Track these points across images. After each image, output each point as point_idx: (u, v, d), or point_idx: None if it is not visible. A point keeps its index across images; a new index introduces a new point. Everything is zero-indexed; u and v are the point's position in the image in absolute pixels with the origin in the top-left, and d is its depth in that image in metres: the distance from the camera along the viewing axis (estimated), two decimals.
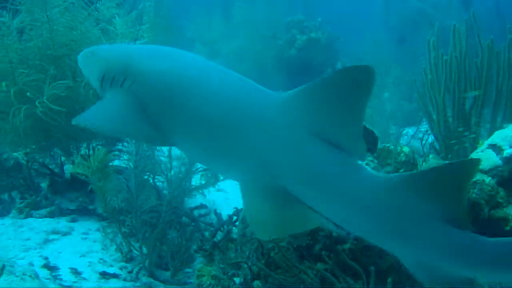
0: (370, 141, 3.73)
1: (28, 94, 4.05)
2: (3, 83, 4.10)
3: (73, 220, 4.31)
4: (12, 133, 4.29)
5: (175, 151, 4.36)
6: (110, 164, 4.55)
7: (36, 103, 4.05)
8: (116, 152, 4.68)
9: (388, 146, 3.46)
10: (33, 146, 4.54)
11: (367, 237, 2.47)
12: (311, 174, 2.37)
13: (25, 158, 4.69)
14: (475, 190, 3.12)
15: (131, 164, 4.35)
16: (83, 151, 4.60)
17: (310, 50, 8.83)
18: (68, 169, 4.70)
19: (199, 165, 4.44)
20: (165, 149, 4.65)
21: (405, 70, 10.57)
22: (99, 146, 4.56)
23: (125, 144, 4.59)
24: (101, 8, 4.66)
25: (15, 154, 4.84)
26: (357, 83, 2.23)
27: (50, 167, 4.70)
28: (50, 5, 4.26)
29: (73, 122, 2.47)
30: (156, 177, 4.47)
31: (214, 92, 2.55)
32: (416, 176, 2.31)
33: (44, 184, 4.72)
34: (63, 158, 4.65)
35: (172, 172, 4.44)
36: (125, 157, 4.62)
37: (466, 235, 2.24)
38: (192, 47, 11.22)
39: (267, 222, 2.48)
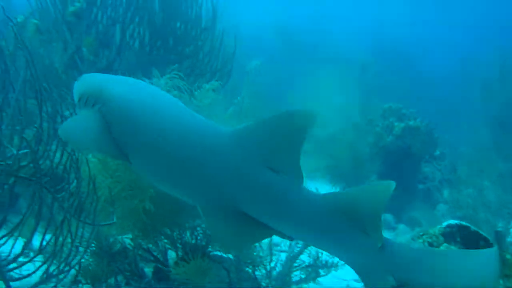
0: (483, 246, 3.54)
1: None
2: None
3: None
4: (119, 219, 4.48)
5: (276, 239, 4.39)
6: (211, 253, 4.66)
7: (136, 202, 4.22)
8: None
9: (505, 254, 3.28)
10: (137, 233, 4.70)
11: (306, 241, 3.32)
12: (261, 196, 2.84)
13: (131, 244, 4.84)
14: None
15: (230, 256, 4.42)
16: (186, 238, 4.71)
17: (409, 138, 8.73)
18: (172, 255, 4.82)
19: (300, 260, 4.42)
20: (265, 240, 4.67)
21: (508, 159, 10.17)
22: (200, 234, 4.66)
23: None
24: (199, 96, 4.87)
25: (121, 238, 5.03)
26: (296, 125, 2.75)
27: (154, 253, 4.82)
28: None
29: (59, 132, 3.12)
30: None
31: (170, 122, 3.02)
32: (341, 195, 3.08)
33: (147, 270, 4.84)
34: (167, 245, 4.77)
35: (272, 264, 4.44)
36: None
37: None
38: None
39: (229, 239, 2.96)
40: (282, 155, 2.83)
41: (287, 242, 4.63)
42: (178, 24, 7.28)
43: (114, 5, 7.18)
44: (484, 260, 2.78)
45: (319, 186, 8.53)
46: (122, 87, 3.22)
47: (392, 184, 2.84)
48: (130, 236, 4.80)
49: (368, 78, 13.48)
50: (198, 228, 4.71)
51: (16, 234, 3.30)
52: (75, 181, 4.22)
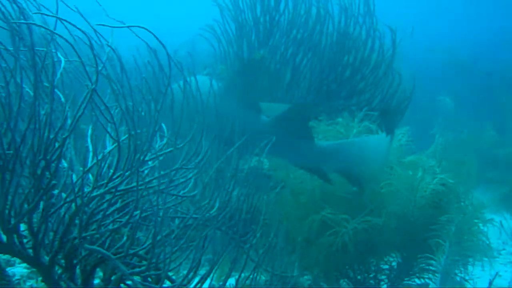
0: None
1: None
2: None
3: None
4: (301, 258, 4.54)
5: None
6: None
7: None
8: None
9: None
10: (317, 272, 4.70)
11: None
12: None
13: (312, 286, 4.86)
14: None
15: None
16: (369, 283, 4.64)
17: None
18: None
19: None
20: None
21: None
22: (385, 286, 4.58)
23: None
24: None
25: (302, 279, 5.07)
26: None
27: None
28: None
29: None
30: None
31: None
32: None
33: None
34: None
35: None
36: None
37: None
38: None
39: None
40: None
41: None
42: (353, 57, 7.05)
43: (286, 45, 7.28)
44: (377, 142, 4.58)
45: (503, 220, 7.93)
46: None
47: None
48: (308, 276, 4.83)
49: None
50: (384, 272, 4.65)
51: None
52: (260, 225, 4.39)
